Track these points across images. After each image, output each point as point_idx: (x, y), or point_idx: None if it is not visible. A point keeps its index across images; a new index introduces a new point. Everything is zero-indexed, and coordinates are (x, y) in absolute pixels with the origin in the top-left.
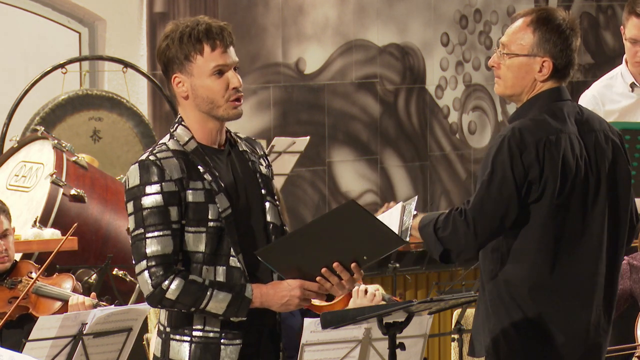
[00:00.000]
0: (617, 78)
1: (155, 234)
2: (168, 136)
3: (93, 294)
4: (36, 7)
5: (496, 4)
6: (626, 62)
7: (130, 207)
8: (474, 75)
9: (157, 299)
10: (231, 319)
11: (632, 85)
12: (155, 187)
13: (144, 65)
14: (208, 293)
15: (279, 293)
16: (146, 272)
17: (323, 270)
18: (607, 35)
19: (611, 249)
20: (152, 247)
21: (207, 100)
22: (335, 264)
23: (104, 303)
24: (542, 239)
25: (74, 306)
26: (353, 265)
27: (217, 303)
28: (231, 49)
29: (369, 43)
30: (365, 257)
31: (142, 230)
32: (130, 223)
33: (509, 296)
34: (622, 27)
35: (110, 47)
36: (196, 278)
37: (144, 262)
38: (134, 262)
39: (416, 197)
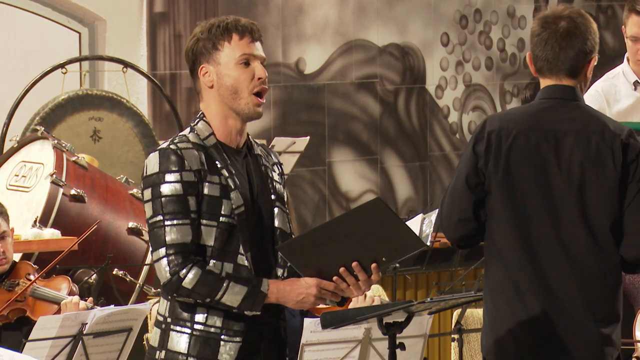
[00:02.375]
0: (619, 77)
1: (175, 222)
2: (189, 129)
3: (90, 298)
4: (36, 7)
5: (496, 4)
6: (628, 61)
7: (147, 194)
8: (474, 75)
9: (174, 287)
10: (245, 312)
11: (635, 84)
12: (175, 176)
13: (144, 65)
14: (224, 285)
15: (295, 290)
16: (164, 260)
17: (341, 270)
18: (607, 35)
19: (590, 251)
20: (171, 235)
21: (232, 90)
22: (354, 264)
23: (98, 307)
24: (498, 235)
25: (66, 304)
26: (373, 266)
27: (233, 296)
28: (259, 44)
29: (369, 43)
30: (384, 259)
31: (160, 218)
32: (147, 210)
33: (487, 292)
34: (622, 26)
35: (110, 47)
36: (213, 269)
37: (163, 249)
38: (151, 249)
39: (437, 209)
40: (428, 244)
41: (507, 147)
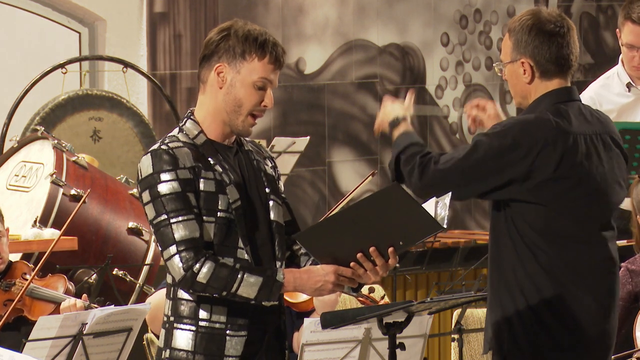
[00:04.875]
0: (613, 78)
1: (180, 218)
2: (177, 129)
3: (84, 295)
4: (36, 7)
5: (496, 4)
6: (622, 62)
7: (146, 195)
8: (474, 75)
9: (188, 282)
10: (263, 303)
11: (629, 85)
12: (170, 175)
13: (144, 65)
14: (239, 276)
15: (313, 278)
16: (176, 257)
17: (358, 255)
18: (607, 35)
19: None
20: (179, 232)
21: (236, 103)
22: (371, 249)
23: (95, 305)
24: (545, 238)
25: (65, 309)
26: (390, 250)
27: (249, 287)
28: (278, 72)
29: (369, 43)
30: (401, 243)
31: (165, 217)
32: (149, 211)
33: (515, 291)
34: (617, 30)
35: (110, 47)
36: (227, 261)
37: (173, 247)
38: (160, 248)
39: (450, 192)
40: (445, 226)
41: (558, 157)
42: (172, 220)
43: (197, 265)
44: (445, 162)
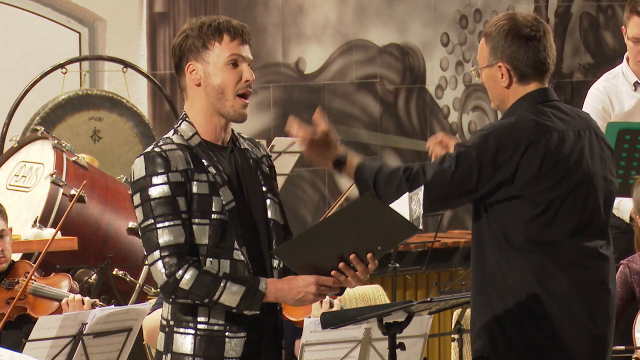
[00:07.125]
0: (618, 77)
1: (166, 224)
2: (172, 131)
3: (88, 297)
4: (36, 7)
5: (496, 4)
6: (627, 61)
7: (137, 198)
8: (473, 75)
9: (171, 288)
10: (244, 312)
11: (636, 84)
12: (161, 178)
13: (144, 65)
14: (221, 284)
15: (294, 289)
16: (160, 262)
17: (340, 265)
18: (607, 35)
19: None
20: (164, 237)
21: (218, 90)
22: (352, 256)
23: (100, 303)
24: (528, 237)
25: (69, 303)
26: (368, 255)
27: (231, 295)
28: (247, 47)
29: (369, 43)
30: (379, 248)
31: (152, 221)
32: (138, 215)
33: (506, 293)
34: (623, 27)
35: (110, 47)
36: (210, 269)
37: (157, 252)
38: (145, 253)
39: (423, 186)
40: (420, 227)
41: (542, 155)
42: (158, 225)
43: (180, 272)
44: (433, 175)
